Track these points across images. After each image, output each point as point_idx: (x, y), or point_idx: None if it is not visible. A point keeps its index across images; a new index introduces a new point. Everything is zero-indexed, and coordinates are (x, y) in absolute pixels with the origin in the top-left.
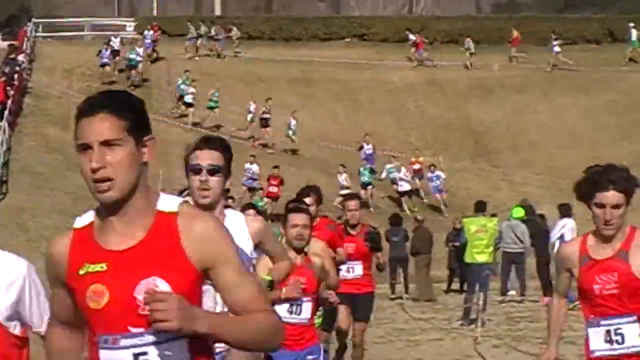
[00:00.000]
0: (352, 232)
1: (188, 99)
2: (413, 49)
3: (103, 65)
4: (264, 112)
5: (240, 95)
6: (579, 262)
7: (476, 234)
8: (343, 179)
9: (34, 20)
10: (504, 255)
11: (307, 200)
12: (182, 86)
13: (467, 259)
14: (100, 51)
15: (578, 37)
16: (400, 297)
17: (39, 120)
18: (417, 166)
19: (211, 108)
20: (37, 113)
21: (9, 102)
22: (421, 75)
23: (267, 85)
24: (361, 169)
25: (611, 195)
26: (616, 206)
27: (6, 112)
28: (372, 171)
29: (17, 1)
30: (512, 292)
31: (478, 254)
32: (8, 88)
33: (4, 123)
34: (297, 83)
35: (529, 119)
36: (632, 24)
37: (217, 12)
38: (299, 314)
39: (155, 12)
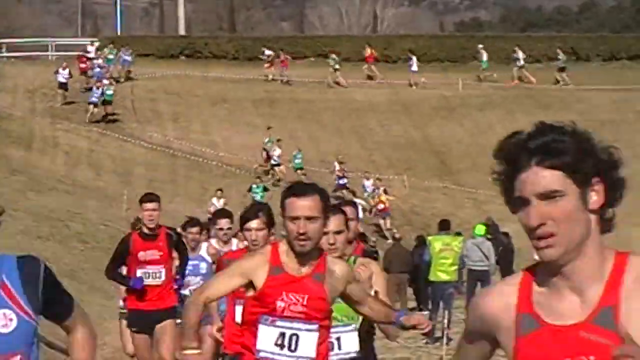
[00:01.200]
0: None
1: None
2: (266, 66)
3: (62, 84)
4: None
5: (204, 115)
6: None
7: (441, 253)
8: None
9: None
10: (469, 273)
11: (256, 222)
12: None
13: (431, 277)
14: (57, 70)
15: (541, 55)
16: None
17: (2, 141)
18: (381, 206)
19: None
20: (1, 134)
21: None
22: (385, 95)
23: (231, 105)
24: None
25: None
26: None
27: None
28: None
29: None
30: None
31: (442, 272)
32: None
33: None
34: (261, 103)
35: (492, 137)
36: (481, 46)
37: (182, 31)
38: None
39: (119, 32)
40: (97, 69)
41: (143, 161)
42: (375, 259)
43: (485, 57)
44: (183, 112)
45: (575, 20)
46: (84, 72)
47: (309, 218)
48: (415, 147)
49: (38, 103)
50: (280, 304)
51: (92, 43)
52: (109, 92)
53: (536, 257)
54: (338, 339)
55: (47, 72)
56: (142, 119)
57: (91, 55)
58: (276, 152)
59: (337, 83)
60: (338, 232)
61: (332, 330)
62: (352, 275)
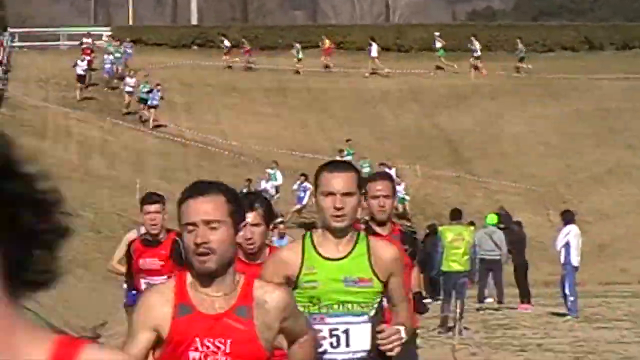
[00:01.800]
0: (381, 231)
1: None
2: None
3: (80, 76)
4: None
5: (215, 105)
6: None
7: (452, 243)
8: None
9: (9, 30)
10: (481, 262)
11: (251, 215)
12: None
13: (444, 267)
14: (75, 63)
15: (554, 44)
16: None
17: (15, 131)
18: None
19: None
20: (13, 123)
21: None
22: (397, 84)
23: (241, 94)
24: None
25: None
26: None
27: None
28: None
29: None
30: (490, 300)
31: (454, 262)
32: None
33: None
34: (272, 92)
35: (503, 126)
36: (437, 34)
37: (194, 21)
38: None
39: (131, 21)
40: (108, 66)
41: (155, 150)
42: (415, 240)
43: (439, 45)
44: (195, 101)
45: (589, 9)
46: (89, 64)
47: (345, 194)
48: (427, 136)
49: (51, 92)
50: (193, 355)
51: (104, 32)
52: (145, 90)
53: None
54: (346, 332)
55: (60, 62)
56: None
57: (89, 44)
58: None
59: (298, 72)
60: (347, 194)
61: (339, 320)
62: (290, 306)
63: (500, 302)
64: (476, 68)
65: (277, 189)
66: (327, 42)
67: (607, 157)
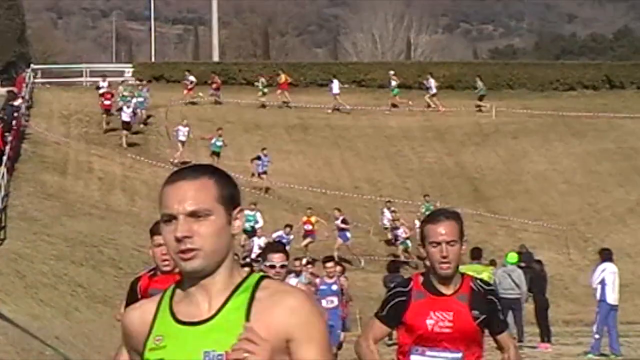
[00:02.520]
0: (445, 290)
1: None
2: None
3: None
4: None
5: (238, 142)
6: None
7: None
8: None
9: (32, 66)
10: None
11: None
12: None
13: None
14: (120, 108)
15: (575, 82)
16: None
17: (37, 167)
18: (308, 226)
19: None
20: (35, 159)
21: (7, 148)
22: (419, 121)
23: (264, 131)
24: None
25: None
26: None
27: (4, 158)
28: None
29: (15, 48)
30: None
31: None
32: (6, 134)
33: (2, 169)
34: (295, 129)
35: (526, 165)
36: (392, 72)
37: (215, 58)
38: None
39: (153, 58)
40: (129, 110)
41: None
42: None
43: (394, 83)
44: None
45: (610, 48)
46: (107, 109)
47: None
48: (449, 174)
49: (73, 128)
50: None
51: (127, 69)
52: (219, 143)
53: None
54: None
55: (82, 98)
56: (176, 145)
57: (105, 88)
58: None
59: (263, 106)
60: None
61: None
62: None
63: (520, 340)
64: (429, 106)
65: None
66: (284, 77)
67: (629, 196)
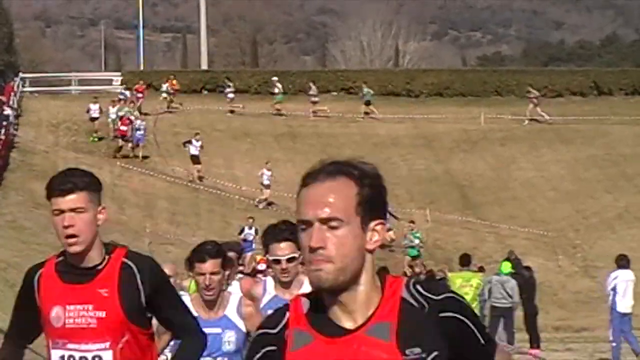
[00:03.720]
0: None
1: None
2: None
3: (93, 119)
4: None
5: (226, 150)
6: None
7: (461, 289)
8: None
9: (20, 75)
10: (492, 309)
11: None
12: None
13: None
14: (88, 109)
15: (563, 89)
16: None
17: (26, 175)
18: (261, 266)
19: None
20: (24, 168)
21: None
22: (407, 129)
23: (253, 139)
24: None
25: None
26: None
27: None
28: None
29: (3, 56)
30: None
31: None
32: None
33: None
34: (283, 137)
35: (514, 172)
36: (276, 78)
37: (204, 66)
38: None
39: (142, 67)
40: (139, 132)
41: (165, 195)
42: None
43: (278, 89)
44: (205, 146)
45: (597, 55)
46: (123, 135)
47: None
48: (438, 181)
49: (61, 137)
50: None
51: (115, 78)
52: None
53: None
54: None
55: (71, 107)
56: (164, 153)
57: (96, 112)
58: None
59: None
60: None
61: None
62: None
63: (510, 343)
64: (314, 113)
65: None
66: (175, 82)
67: (617, 202)
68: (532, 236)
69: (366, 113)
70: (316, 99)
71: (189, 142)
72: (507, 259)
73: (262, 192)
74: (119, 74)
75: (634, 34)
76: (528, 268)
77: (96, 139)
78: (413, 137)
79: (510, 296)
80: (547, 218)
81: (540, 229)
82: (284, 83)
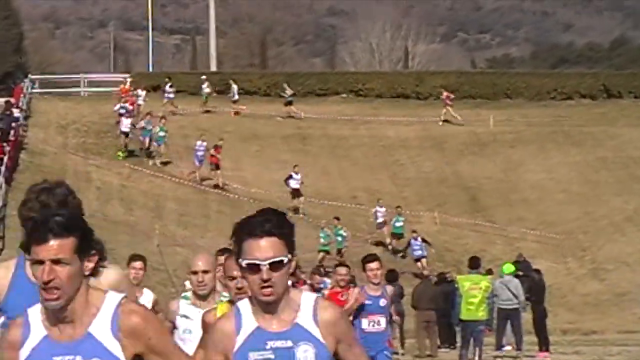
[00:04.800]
0: None
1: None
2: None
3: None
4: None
5: (235, 151)
6: None
7: (470, 291)
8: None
9: (30, 76)
10: (499, 311)
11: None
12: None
13: (462, 315)
14: (119, 121)
15: (573, 92)
16: (396, 353)
17: (35, 177)
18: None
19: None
20: (33, 169)
21: (5, 157)
22: (416, 131)
23: (262, 141)
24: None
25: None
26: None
27: (2, 168)
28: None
29: (13, 58)
30: (508, 347)
31: (471, 310)
32: (4, 144)
33: (1, 179)
34: (292, 139)
35: (524, 174)
36: (204, 77)
37: (213, 68)
38: None
39: (150, 68)
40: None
41: (174, 197)
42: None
43: (206, 89)
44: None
45: (607, 57)
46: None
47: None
48: (446, 183)
49: (70, 138)
50: None
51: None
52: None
53: None
54: None
55: (80, 108)
56: (173, 155)
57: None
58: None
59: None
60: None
61: None
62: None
63: (519, 349)
64: (237, 113)
65: None
66: (127, 85)
67: (627, 205)
68: (541, 239)
69: (288, 114)
70: (236, 97)
71: (290, 177)
72: (516, 261)
73: (292, 199)
74: (128, 75)
75: None
76: (537, 271)
77: (125, 154)
78: (422, 139)
79: (515, 296)
80: (556, 220)
81: (550, 231)
82: (292, 85)
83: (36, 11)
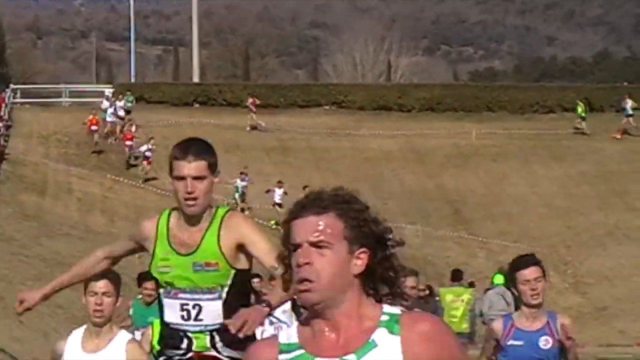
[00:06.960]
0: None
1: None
2: None
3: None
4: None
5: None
6: None
7: (452, 304)
8: None
9: (11, 86)
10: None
11: None
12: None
13: None
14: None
15: (555, 105)
16: None
17: (16, 187)
18: None
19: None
20: (14, 180)
21: None
22: (399, 144)
23: (244, 153)
24: None
25: None
26: None
27: None
28: None
29: None
30: None
31: (453, 323)
32: None
33: None
34: (275, 151)
35: (506, 187)
36: (128, 92)
37: (196, 79)
38: None
39: (133, 79)
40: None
41: (156, 208)
42: None
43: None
44: None
45: (589, 71)
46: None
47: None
48: (429, 197)
49: (52, 149)
50: None
51: (106, 90)
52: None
53: None
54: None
55: (62, 118)
56: (155, 166)
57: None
58: None
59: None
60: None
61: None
62: None
63: None
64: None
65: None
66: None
67: (608, 219)
68: (523, 252)
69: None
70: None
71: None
72: (503, 273)
73: (277, 212)
74: (110, 86)
75: (626, 50)
76: None
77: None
78: (405, 152)
79: (508, 305)
80: (539, 234)
81: (532, 245)
82: (275, 97)
83: (19, 21)
